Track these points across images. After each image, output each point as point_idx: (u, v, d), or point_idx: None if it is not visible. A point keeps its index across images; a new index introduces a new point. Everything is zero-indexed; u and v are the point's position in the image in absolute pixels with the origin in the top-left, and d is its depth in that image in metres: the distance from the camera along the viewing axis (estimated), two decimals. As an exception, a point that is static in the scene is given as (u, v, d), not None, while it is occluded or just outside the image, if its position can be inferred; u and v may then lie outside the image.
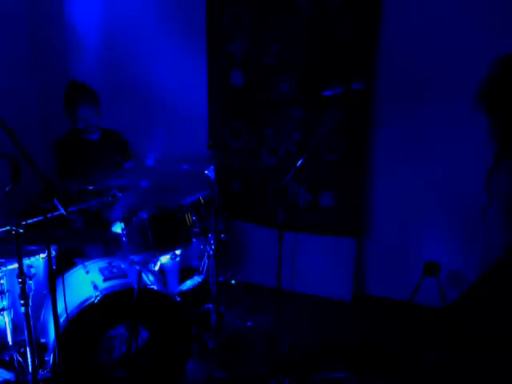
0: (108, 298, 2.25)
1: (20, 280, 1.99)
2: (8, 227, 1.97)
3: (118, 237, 2.61)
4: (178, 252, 2.81)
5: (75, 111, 3.03)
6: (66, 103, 3.08)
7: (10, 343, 2.29)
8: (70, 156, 3.06)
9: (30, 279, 2.16)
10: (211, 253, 2.82)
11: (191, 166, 2.71)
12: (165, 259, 2.78)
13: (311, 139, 3.27)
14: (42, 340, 2.37)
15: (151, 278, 2.49)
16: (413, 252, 3.41)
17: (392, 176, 3.41)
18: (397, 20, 3.15)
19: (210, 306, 2.95)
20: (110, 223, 2.74)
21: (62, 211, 1.90)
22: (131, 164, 3.22)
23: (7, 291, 2.25)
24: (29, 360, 2.16)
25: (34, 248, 2.34)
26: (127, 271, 2.50)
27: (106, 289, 2.30)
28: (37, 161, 1.81)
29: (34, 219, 2.19)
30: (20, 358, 2.30)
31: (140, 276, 2.32)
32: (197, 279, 3.12)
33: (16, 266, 2.01)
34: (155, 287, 2.40)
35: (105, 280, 2.39)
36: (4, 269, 2.23)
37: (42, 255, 2.38)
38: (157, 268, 2.70)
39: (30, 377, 2.18)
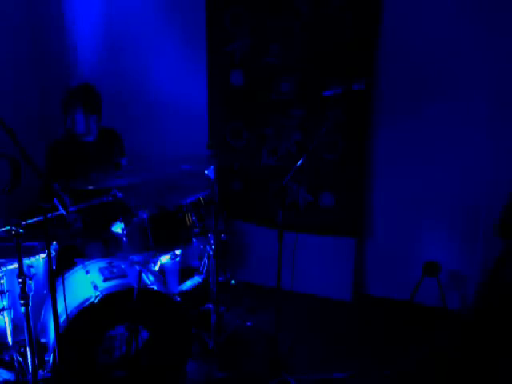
0: (108, 298, 2.25)
1: (20, 280, 1.99)
2: (8, 227, 1.97)
3: (117, 237, 2.61)
4: (178, 252, 2.81)
5: (73, 115, 3.00)
6: (64, 103, 3.05)
7: (10, 343, 2.29)
8: (66, 159, 3.03)
9: (30, 279, 2.16)
10: (211, 253, 2.82)
11: (191, 166, 2.71)
12: (165, 259, 2.78)
13: (311, 139, 3.26)
14: (42, 340, 2.37)
15: (151, 277, 2.49)
16: (413, 252, 3.41)
17: (392, 176, 3.41)
18: (397, 19, 3.15)
19: (210, 305, 2.95)
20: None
21: (62, 211, 1.90)
22: (125, 162, 3.23)
23: (7, 291, 2.25)
24: (29, 360, 2.16)
25: (34, 244, 2.34)
26: (127, 271, 2.50)
27: (106, 289, 2.30)
28: (36, 161, 1.81)
29: (34, 219, 2.19)
30: (20, 358, 2.30)
31: (140, 276, 2.32)
32: (197, 279, 3.12)
33: (16, 265, 2.01)
34: (155, 287, 2.40)
35: (105, 280, 2.39)
36: (4, 269, 2.23)
37: (42, 255, 2.38)
38: (157, 268, 2.70)
39: (30, 377, 2.18)
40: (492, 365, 2.47)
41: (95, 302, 2.21)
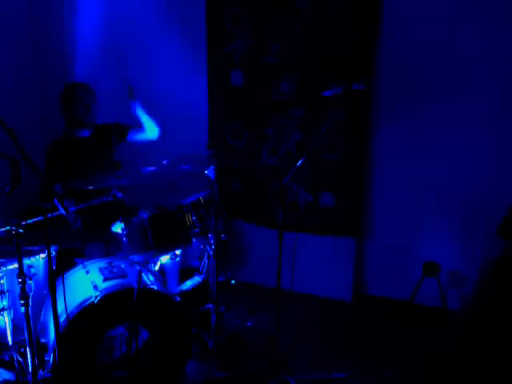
0: (108, 297, 2.25)
1: (20, 280, 1.99)
2: (8, 227, 1.97)
3: (117, 237, 2.61)
4: (178, 252, 2.81)
5: (74, 96, 3.03)
6: (64, 95, 3.09)
7: (10, 343, 2.29)
8: (64, 157, 3.04)
9: (30, 279, 2.16)
10: (211, 253, 2.82)
11: (191, 166, 2.71)
12: (165, 259, 2.78)
13: (311, 139, 3.27)
14: (42, 340, 2.37)
15: (151, 277, 2.50)
16: (413, 252, 3.41)
17: (392, 176, 3.41)
18: (397, 19, 3.15)
19: (210, 305, 2.95)
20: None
21: (62, 211, 1.90)
22: (136, 136, 3.22)
23: (7, 291, 2.25)
24: (29, 360, 2.15)
25: (34, 248, 2.34)
26: (127, 271, 2.50)
27: (105, 289, 2.30)
28: (36, 161, 1.81)
29: (34, 219, 2.19)
30: (20, 358, 2.30)
31: (140, 276, 2.32)
32: (197, 279, 3.12)
33: (16, 265, 2.01)
34: (155, 287, 2.40)
35: (105, 280, 2.39)
36: (4, 269, 2.23)
37: (42, 255, 2.38)
38: (157, 268, 2.70)
39: (30, 377, 2.18)
40: (491, 365, 2.47)
41: (95, 301, 2.21)
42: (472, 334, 2.59)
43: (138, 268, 2.36)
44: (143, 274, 2.44)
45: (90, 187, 2.52)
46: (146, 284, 2.38)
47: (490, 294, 2.57)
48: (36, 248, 2.35)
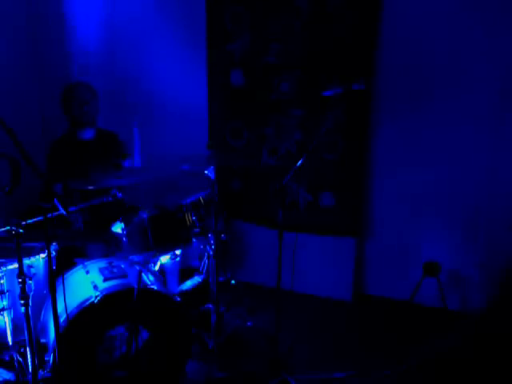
0: (108, 298, 2.25)
1: (20, 280, 1.99)
2: (8, 227, 1.97)
3: (117, 237, 2.61)
4: (178, 252, 2.81)
5: (72, 95, 3.03)
6: (63, 94, 3.09)
7: (10, 343, 2.29)
8: (65, 157, 3.04)
9: (30, 279, 2.16)
10: (211, 253, 2.82)
11: (191, 166, 2.71)
12: (165, 259, 2.78)
13: (311, 139, 3.27)
14: (42, 340, 2.37)
15: (151, 278, 2.49)
16: (413, 252, 3.41)
17: (392, 176, 3.41)
18: (397, 19, 3.15)
19: (210, 305, 2.95)
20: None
21: (62, 211, 1.90)
22: (127, 163, 3.23)
23: (7, 291, 2.25)
24: (29, 360, 2.16)
25: (34, 245, 2.34)
26: (127, 271, 2.50)
27: (106, 289, 2.30)
28: (36, 161, 1.81)
29: (34, 219, 2.19)
30: (20, 358, 2.30)
31: (140, 276, 2.32)
32: (197, 279, 3.12)
33: (16, 265, 2.01)
34: (155, 287, 2.40)
35: (105, 280, 2.39)
36: (4, 269, 2.23)
37: (42, 255, 2.38)
38: (157, 268, 2.70)
39: (30, 377, 2.18)
40: (496, 366, 2.46)
41: (95, 302, 2.21)
42: (488, 336, 2.57)
43: (137, 268, 2.36)
44: (143, 274, 2.44)
45: (90, 187, 2.52)
46: (146, 284, 2.38)
47: (507, 294, 2.55)
48: (36, 245, 2.35)
